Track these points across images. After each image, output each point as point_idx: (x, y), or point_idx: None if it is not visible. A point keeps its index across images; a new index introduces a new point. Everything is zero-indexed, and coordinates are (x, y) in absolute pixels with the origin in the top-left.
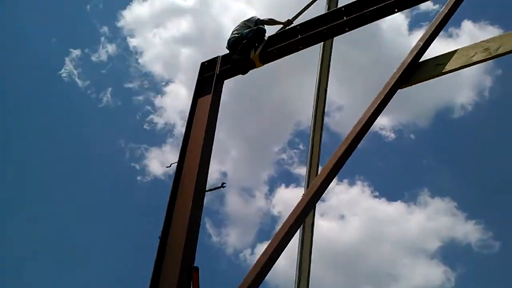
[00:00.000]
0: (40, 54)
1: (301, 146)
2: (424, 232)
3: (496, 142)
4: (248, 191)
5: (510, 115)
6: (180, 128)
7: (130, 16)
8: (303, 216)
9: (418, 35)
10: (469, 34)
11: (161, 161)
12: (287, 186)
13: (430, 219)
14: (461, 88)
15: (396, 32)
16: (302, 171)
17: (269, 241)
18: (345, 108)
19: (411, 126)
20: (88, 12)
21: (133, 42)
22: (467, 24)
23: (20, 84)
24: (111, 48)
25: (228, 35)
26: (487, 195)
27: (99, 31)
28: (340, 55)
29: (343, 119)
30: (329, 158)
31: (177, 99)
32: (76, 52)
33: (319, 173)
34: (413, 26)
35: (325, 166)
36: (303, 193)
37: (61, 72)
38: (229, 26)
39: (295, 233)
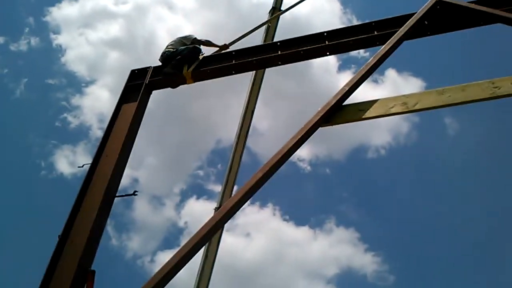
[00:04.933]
0: None
1: (219, 166)
2: (325, 258)
3: (403, 185)
4: (159, 200)
5: (419, 161)
6: (96, 131)
7: (58, 13)
8: (212, 233)
9: (344, 76)
10: (392, 82)
11: (71, 161)
12: (198, 198)
13: (332, 247)
14: (379, 131)
15: (326, 70)
16: (216, 188)
17: (175, 252)
18: (267, 132)
19: (327, 160)
20: (16, 1)
21: (58, 39)
22: (391, 72)
23: None
24: (33, 41)
25: (160, 45)
26: (389, 232)
27: (24, 21)
28: (270, 80)
29: (264, 142)
30: (246, 181)
31: (97, 101)
32: None
33: (234, 194)
34: (342, 67)
35: (241, 188)
36: (214, 206)
37: None
38: (162, 36)
39: (201, 247)
